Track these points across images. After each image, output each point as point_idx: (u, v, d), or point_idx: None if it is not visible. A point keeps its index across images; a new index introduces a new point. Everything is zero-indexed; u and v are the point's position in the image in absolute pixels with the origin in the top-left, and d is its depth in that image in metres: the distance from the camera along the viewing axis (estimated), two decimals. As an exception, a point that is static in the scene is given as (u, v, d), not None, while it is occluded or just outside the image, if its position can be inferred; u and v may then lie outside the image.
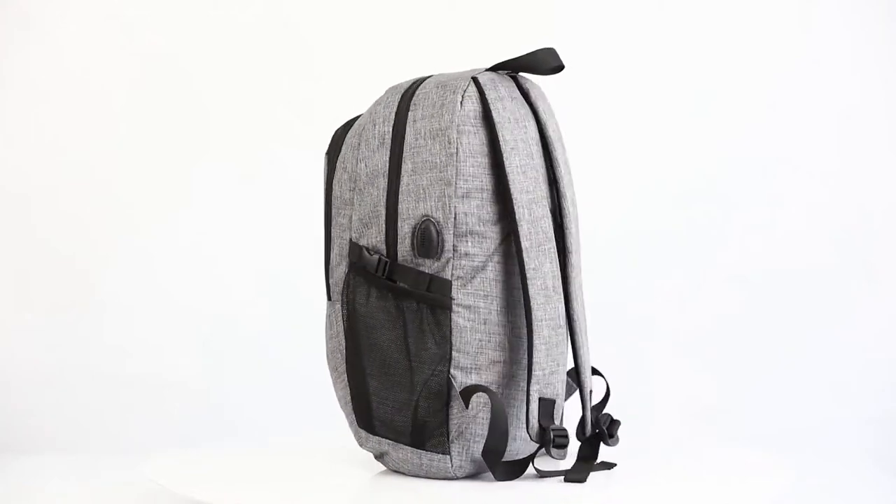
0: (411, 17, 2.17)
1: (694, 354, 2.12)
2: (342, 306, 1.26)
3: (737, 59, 2.17)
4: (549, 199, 1.24)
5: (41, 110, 2.16)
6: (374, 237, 1.24)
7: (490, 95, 1.22)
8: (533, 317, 1.19)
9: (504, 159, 1.20)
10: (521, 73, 1.29)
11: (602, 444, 1.28)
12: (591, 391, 1.28)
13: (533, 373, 1.19)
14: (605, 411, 1.32)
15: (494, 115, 1.21)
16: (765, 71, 2.16)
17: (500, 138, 1.21)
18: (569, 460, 1.26)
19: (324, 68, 2.15)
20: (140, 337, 2.13)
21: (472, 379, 1.20)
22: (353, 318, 1.25)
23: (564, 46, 2.18)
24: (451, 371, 1.20)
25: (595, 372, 1.34)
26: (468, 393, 1.19)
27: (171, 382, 2.10)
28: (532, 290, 1.20)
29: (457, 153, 1.20)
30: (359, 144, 1.27)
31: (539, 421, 1.20)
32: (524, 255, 1.19)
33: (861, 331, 2.11)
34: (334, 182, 1.29)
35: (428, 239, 1.20)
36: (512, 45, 2.15)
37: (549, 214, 1.23)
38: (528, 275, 1.19)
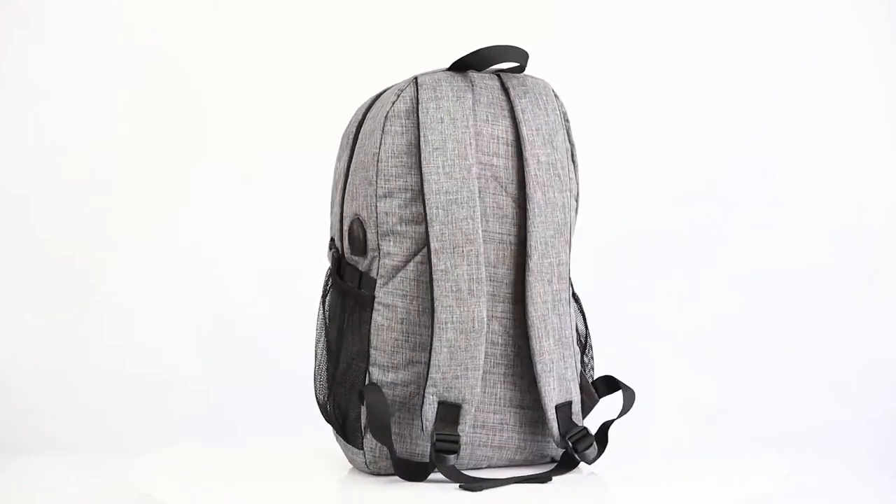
0: (411, 17, 2.17)
1: (694, 354, 2.12)
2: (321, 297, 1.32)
3: (737, 59, 2.17)
4: (510, 201, 1.23)
5: (41, 110, 2.16)
6: (335, 234, 1.28)
7: (423, 95, 1.22)
8: (435, 318, 1.19)
9: (423, 159, 1.20)
10: (507, 71, 1.28)
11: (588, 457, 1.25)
12: (571, 402, 1.25)
13: (430, 375, 1.19)
14: (583, 423, 1.27)
15: (421, 115, 1.21)
16: (765, 71, 2.16)
17: (422, 138, 1.20)
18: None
19: (324, 68, 2.15)
20: (140, 337, 2.13)
21: (389, 377, 1.21)
22: (326, 310, 1.30)
23: (565, 46, 2.19)
24: (370, 368, 1.21)
25: (613, 385, 1.33)
26: (363, 390, 1.20)
27: (171, 382, 2.10)
28: (438, 292, 1.19)
29: (378, 153, 1.21)
30: (340, 144, 1.30)
31: (435, 425, 1.19)
32: (433, 255, 1.19)
33: (861, 331, 2.11)
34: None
35: (353, 237, 1.24)
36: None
37: (481, 216, 1.21)
38: (434, 276, 1.19)
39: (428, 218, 1.19)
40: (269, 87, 2.16)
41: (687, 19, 2.17)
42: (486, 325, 1.20)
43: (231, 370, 2.12)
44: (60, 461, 1.94)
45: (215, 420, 2.05)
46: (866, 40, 2.16)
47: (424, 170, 1.20)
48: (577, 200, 1.29)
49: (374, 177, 1.21)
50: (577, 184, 1.29)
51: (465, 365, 1.19)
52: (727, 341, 2.12)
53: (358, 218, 1.23)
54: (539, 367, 1.22)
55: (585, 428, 1.25)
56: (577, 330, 1.31)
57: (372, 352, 1.22)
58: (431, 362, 1.19)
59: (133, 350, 2.12)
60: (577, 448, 1.24)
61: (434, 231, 1.19)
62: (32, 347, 2.12)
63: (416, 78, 1.23)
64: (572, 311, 1.29)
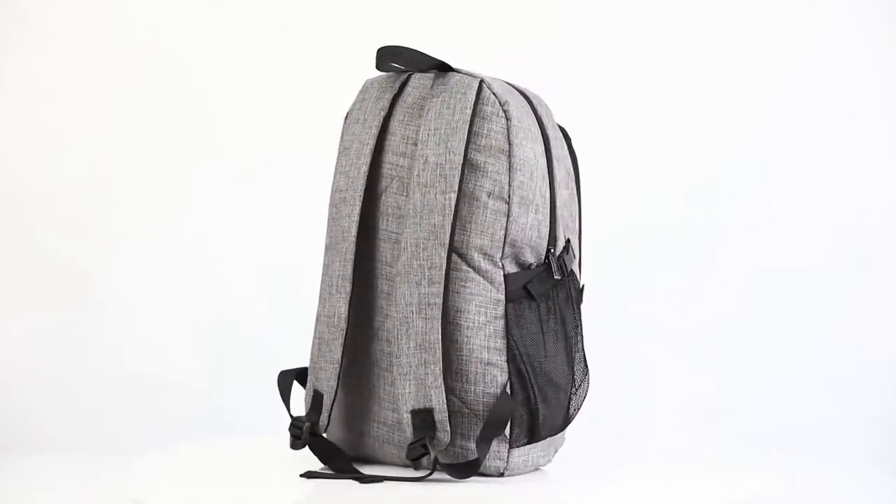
0: (411, 17, 2.17)
1: (694, 354, 2.12)
2: None
3: (737, 59, 2.17)
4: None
5: (41, 110, 2.16)
6: None
7: (356, 97, 1.28)
8: (316, 311, 1.26)
9: (336, 160, 1.27)
10: (455, 69, 1.26)
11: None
12: (432, 409, 1.20)
13: (309, 364, 1.28)
14: (449, 437, 1.21)
15: (348, 117, 1.28)
16: (765, 71, 2.16)
17: (340, 139, 1.27)
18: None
19: (324, 68, 2.15)
20: (140, 337, 2.13)
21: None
22: None
23: (565, 46, 2.19)
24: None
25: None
26: None
27: (171, 382, 2.10)
28: (320, 286, 1.26)
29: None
30: None
31: (308, 412, 1.27)
32: (324, 251, 1.27)
33: (861, 331, 2.11)
34: None
35: None
36: (512, 44, 2.17)
37: (380, 216, 1.23)
38: (322, 271, 1.26)
39: (327, 216, 1.27)
40: (269, 87, 2.16)
41: (687, 19, 2.17)
42: (345, 322, 1.23)
43: (231, 370, 2.12)
44: (60, 461, 1.94)
45: (215, 420, 2.05)
46: (866, 40, 2.16)
47: (334, 170, 1.27)
48: (504, 201, 1.21)
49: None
50: (511, 184, 1.21)
51: (327, 358, 1.25)
52: (727, 341, 2.12)
53: None
54: (396, 370, 1.22)
55: (445, 442, 1.20)
56: (572, 363, 1.26)
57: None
58: (310, 353, 1.27)
59: (133, 350, 2.12)
60: (418, 459, 1.21)
61: (327, 228, 1.27)
62: (32, 347, 2.12)
63: (369, 78, 1.29)
64: (481, 323, 1.22)
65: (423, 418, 1.20)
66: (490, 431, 1.19)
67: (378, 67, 1.28)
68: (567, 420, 1.26)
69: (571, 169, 1.29)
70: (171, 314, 2.13)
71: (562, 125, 1.30)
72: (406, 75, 1.26)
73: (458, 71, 1.25)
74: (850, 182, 2.15)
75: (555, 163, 1.25)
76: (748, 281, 2.14)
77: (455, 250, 1.21)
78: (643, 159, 2.16)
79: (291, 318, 2.06)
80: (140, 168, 2.16)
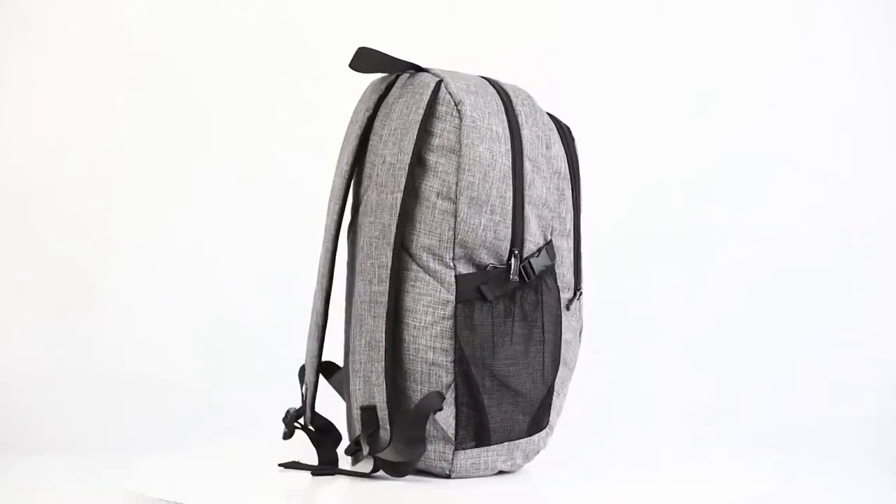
0: (411, 17, 2.17)
1: (694, 354, 2.12)
2: None
3: (737, 59, 2.17)
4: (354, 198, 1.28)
5: (41, 110, 2.16)
6: None
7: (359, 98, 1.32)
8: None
9: None
10: (426, 69, 1.26)
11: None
12: (375, 407, 1.22)
13: None
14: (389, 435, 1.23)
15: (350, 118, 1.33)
16: (765, 71, 2.16)
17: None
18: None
19: (324, 68, 2.15)
20: (140, 337, 2.13)
21: None
22: None
23: (565, 46, 2.19)
24: None
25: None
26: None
27: (171, 382, 2.10)
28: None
29: None
30: None
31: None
32: None
33: (861, 331, 2.11)
34: None
35: None
36: (512, 44, 2.17)
37: (362, 213, 1.25)
38: None
39: None
40: (269, 87, 2.16)
41: (687, 19, 2.17)
42: (321, 318, 1.28)
43: (231, 370, 2.12)
44: (60, 461, 1.94)
45: (215, 420, 2.05)
46: (866, 40, 2.16)
47: None
48: (452, 201, 1.20)
49: None
50: (458, 184, 1.20)
51: (310, 352, 1.30)
52: (727, 341, 2.12)
53: None
54: (350, 366, 1.24)
55: (386, 440, 1.22)
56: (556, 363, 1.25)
57: None
58: None
59: (133, 350, 2.12)
60: (355, 454, 1.25)
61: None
62: (32, 347, 2.12)
63: None
64: (435, 330, 1.22)
65: (369, 415, 1.22)
66: (410, 430, 1.20)
67: (350, 66, 1.27)
68: (537, 426, 1.23)
69: (565, 169, 1.26)
70: (171, 314, 2.13)
71: (566, 124, 1.29)
72: (394, 76, 1.26)
73: (427, 70, 1.25)
74: (850, 182, 2.15)
75: (526, 163, 1.22)
76: (748, 281, 2.14)
77: (406, 250, 1.21)
78: (643, 159, 2.16)
79: (291, 318, 2.07)
80: (140, 168, 2.16)
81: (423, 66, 1.25)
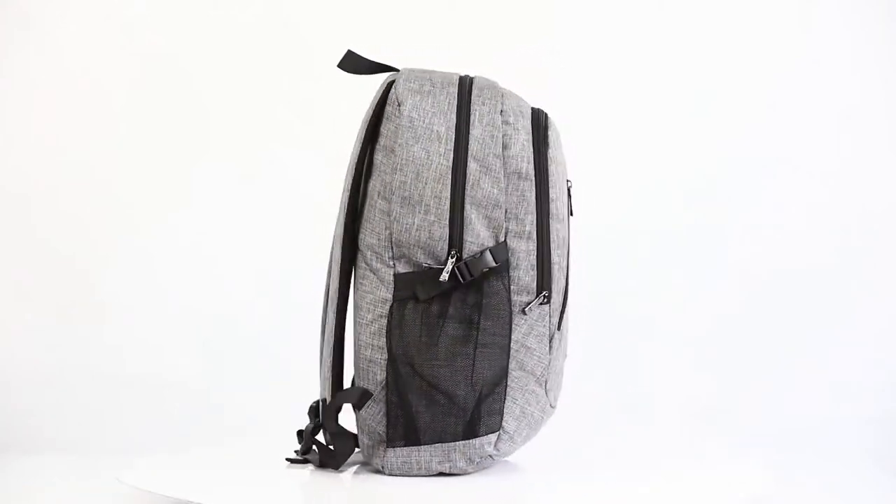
0: (411, 17, 2.17)
1: (694, 354, 2.12)
2: None
3: (737, 59, 2.17)
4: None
5: (41, 110, 2.16)
6: None
7: None
8: None
9: None
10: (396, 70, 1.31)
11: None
12: (326, 399, 1.28)
13: None
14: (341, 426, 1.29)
15: None
16: (765, 71, 2.16)
17: None
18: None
19: (324, 68, 2.15)
20: (140, 337, 2.13)
21: None
22: None
23: (565, 46, 2.19)
24: None
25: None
26: None
27: (171, 382, 2.10)
28: None
29: None
30: None
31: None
32: None
33: (861, 331, 2.11)
34: None
35: None
36: (512, 44, 2.17)
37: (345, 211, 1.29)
38: None
39: None
40: (269, 87, 2.16)
41: (687, 19, 2.17)
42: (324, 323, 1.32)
43: (231, 370, 2.12)
44: (60, 461, 1.94)
45: (215, 420, 2.05)
46: (866, 40, 2.16)
47: None
48: (387, 200, 1.23)
49: None
50: (391, 183, 1.23)
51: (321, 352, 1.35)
52: (727, 341, 2.12)
53: None
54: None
55: (337, 427, 1.28)
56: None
57: None
58: None
59: (133, 350, 2.12)
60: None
61: None
62: (32, 347, 2.11)
63: None
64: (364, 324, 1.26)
65: (314, 408, 1.31)
66: (326, 422, 1.26)
67: (338, 66, 1.33)
68: (472, 430, 1.22)
69: (528, 170, 1.24)
70: (171, 314, 2.13)
71: (551, 124, 1.27)
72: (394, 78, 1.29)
73: (395, 70, 1.29)
74: (850, 182, 2.15)
75: (472, 163, 1.22)
76: (748, 281, 2.13)
77: (358, 248, 1.25)
78: (643, 159, 2.16)
79: (292, 318, 2.07)
80: (140, 168, 2.16)
81: (399, 67, 1.28)
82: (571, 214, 1.30)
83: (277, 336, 2.12)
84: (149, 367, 2.11)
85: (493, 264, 1.21)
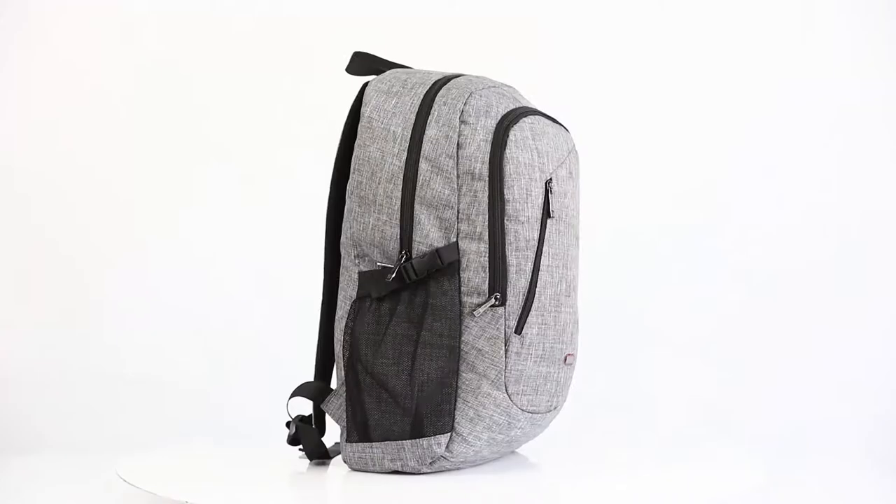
0: (411, 17, 2.17)
1: (695, 354, 2.12)
2: None
3: (737, 59, 2.17)
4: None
5: (42, 110, 2.16)
6: None
7: None
8: None
9: None
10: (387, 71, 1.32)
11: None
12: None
13: None
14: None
15: None
16: (764, 72, 2.16)
17: None
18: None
19: (324, 69, 2.15)
20: (140, 337, 2.13)
21: None
22: None
23: (565, 46, 2.19)
24: None
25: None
26: None
27: (171, 382, 2.10)
28: None
29: None
30: None
31: None
32: None
33: (861, 331, 2.11)
34: None
35: None
36: (512, 45, 2.17)
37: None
38: None
39: None
40: (269, 87, 2.16)
41: (687, 20, 2.17)
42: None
43: (231, 370, 2.12)
44: (60, 461, 1.94)
45: (215, 420, 2.05)
46: (866, 40, 2.16)
47: None
48: (349, 199, 1.27)
49: None
50: (350, 183, 1.26)
51: None
52: (728, 341, 2.12)
53: None
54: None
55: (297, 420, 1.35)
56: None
57: None
58: None
59: (133, 351, 2.12)
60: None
61: None
62: (32, 347, 2.12)
63: None
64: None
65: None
66: (289, 413, 1.33)
67: (346, 70, 1.36)
68: (418, 430, 1.21)
69: (481, 170, 1.21)
70: (171, 315, 2.13)
71: (523, 126, 1.25)
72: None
73: (402, 68, 1.31)
74: (850, 182, 2.15)
75: (423, 164, 1.21)
76: (749, 281, 2.13)
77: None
78: (643, 159, 2.16)
79: (291, 318, 2.07)
80: (140, 169, 2.16)
81: (409, 66, 1.28)
82: (550, 216, 1.25)
83: (277, 336, 2.12)
84: (149, 367, 2.11)
85: (439, 265, 1.20)
